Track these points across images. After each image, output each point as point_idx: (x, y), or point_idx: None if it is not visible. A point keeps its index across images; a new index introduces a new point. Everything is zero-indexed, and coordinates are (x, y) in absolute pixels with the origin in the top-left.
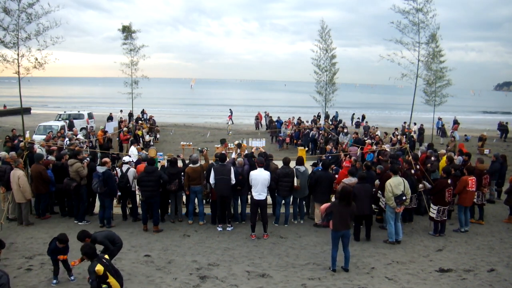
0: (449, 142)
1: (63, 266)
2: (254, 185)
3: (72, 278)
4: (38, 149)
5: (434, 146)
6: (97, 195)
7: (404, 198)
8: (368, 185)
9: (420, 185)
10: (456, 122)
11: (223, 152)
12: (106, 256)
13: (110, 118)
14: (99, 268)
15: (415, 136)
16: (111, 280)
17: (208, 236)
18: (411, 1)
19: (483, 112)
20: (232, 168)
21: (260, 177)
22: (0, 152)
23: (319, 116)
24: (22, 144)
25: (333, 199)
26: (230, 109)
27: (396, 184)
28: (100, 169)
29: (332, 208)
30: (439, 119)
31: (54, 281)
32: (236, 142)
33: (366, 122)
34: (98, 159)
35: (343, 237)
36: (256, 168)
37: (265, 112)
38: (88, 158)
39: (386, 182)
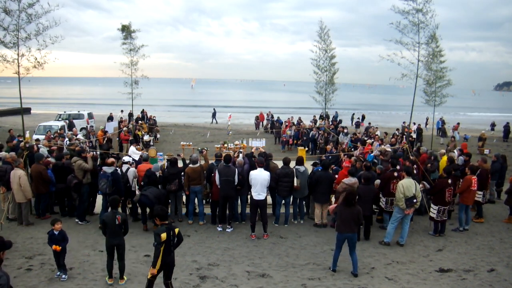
0: (449, 142)
1: (55, 261)
2: (254, 185)
3: (64, 277)
4: (42, 149)
5: (432, 147)
6: (97, 195)
7: (414, 201)
8: (372, 187)
9: (420, 185)
10: (443, 123)
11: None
12: (177, 230)
13: (110, 118)
14: (163, 235)
15: (413, 135)
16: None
17: (208, 236)
18: (410, 1)
19: (471, 113)
20: (236, 170)
21: (259, 177)
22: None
23: (321, 116)
24: (22, 144)
25: (333, 199)
26: (214, 109)
27: (408, 185)
28: (108, 169)
29: (337, 209)
30: (440, 119)
31: (58, 273)
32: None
33: (369, 123)
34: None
35: (348, 241)
36: (256, 168)
37: (270, 111)
38: (97, 152)
39: (398, 183)
